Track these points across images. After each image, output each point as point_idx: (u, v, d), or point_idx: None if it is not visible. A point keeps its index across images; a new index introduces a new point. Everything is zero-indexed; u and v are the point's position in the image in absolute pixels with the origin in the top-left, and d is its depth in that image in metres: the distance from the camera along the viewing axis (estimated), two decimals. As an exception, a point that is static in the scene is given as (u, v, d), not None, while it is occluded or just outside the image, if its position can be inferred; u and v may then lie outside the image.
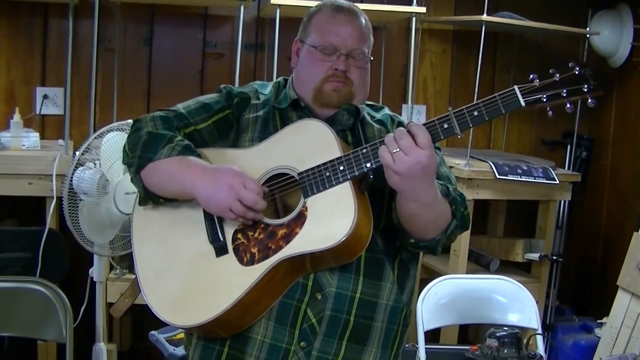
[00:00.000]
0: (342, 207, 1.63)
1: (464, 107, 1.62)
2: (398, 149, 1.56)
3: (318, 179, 1.68)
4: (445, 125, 1.61)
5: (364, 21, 1.85)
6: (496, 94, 1.60)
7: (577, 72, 1.59)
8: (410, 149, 1.55)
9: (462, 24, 3.79)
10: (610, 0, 3.75)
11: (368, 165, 1.65)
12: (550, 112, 1.61)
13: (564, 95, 1.59)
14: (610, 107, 3.85)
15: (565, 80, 1.59)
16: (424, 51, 3.83)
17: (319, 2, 1.91)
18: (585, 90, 1.59)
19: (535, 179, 3.29)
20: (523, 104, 1.58)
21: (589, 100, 1.60)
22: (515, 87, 1.59)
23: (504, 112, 1.59)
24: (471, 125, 1.62)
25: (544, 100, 1.59)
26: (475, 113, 1.61)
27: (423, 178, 1.59)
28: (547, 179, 3.31)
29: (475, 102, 1.61)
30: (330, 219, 1.63)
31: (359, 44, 1.81)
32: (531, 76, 1.60)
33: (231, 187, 1.66)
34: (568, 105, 1.60)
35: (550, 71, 1.60)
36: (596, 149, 3.98)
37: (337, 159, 1.67)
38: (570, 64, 1.60)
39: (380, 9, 3.34)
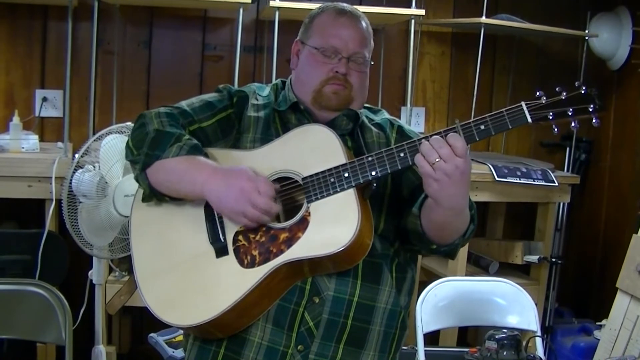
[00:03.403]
0: (345, 213, 1.63)
1: (470, 120, 1.62)
2: (438, 159, 1.56)
3: (322, 184, 1.68)
4: None
5: (365, 25, 1.85)
6: (503, 109, 1.61)
7: (583, 92, 1.60)
8: (450, 157, 1.56)
9: (461, 27, 3.79)
10: (609, 3, 3.76)
11: (373, 173, 1.65)
12: (555, 128, 1.62)
13: (570, 113, 1.60)
14: (609, 109, 3.86)
15: (571, 99, 1.60)
16: (422, 54, 3.83)
17: (321, 4, 1.90)
18: (591, 110, 1.61)
19: (534, 181, 3.29)
20: (530, 120, 1.59)
21: (594, 120, 1.61)
22: (523, 103, 1.60)
23: (510, 127, 1.60)
24: (477, 139, 1.62)
25: (550, 117, 1.60)
26: (482, 127, 1.61)
27: (462, 185, 1.59)
28: (546, 182, 3.31)
29: (482, 115, 1.62)
30: (333, 225, 1.63)
31: (360, 47, 1.81)
32: (538, 93, 1.61)
33: (242, 190, 1.64)
34: (573, 124, 1.62)
35: (557, 89, 1.61)
36: (595, 152, 3.98)
37: (342, 165, 1.67)
38: (576, 84, 1.61)
39: (379, 11, 3.34)
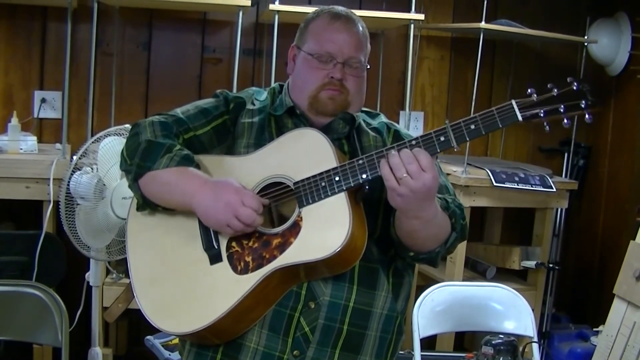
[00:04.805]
0: (337, 217, 1.63)
1: (461, 120, 1.61)
2: (406, 174, 1.56)
3: (314, 189, 1.67)
4: (442, 138, 1.61)
5: (361, 29, 1.85)
6: (493, 108, 1.59)
7: (575, 88, 1.58)
8: (417, 174, 1.55)
9: (461, 31, 3.79)
10: (608, 9, 3.76)
11: (364, 176, 1.65)
12: (547, 126, 1.61)
13: (562, 110, 1.58)
14: (608, 115, 3.86)
15: (563, 96, 1.58)
16: (422, 58, 3.84)
17: (317, 9, 1.90)
18: (583, 106, 1.58)
19: (532, 186, 3.29)
20: (520, 118, 1.57)
21: (587, 116, 1.59)
22: (513, 101, 1.58)
23: (501, 126, 1.59)
24: (468, 139, 1.61)
25: (542, 115, 1.58)
26: (472, 126, 1.60)
27: (425, 200, 1.59)
28: (544, 187, 3.31)
29: (472, 115, 1.60)
30: (325, 229, 1.63)
31: (355, 52, 1.80)
32: (529, 90, 1.59)
33: (228, 203, 1.65)
34: (565, 121, 1.60)
35: (549, 86, 1.59)
36: (593, 157, 3.98)
37: (333, 169, 1.67)
38: (568, 79, 1.59)
39: (379, 15, 3.35)
